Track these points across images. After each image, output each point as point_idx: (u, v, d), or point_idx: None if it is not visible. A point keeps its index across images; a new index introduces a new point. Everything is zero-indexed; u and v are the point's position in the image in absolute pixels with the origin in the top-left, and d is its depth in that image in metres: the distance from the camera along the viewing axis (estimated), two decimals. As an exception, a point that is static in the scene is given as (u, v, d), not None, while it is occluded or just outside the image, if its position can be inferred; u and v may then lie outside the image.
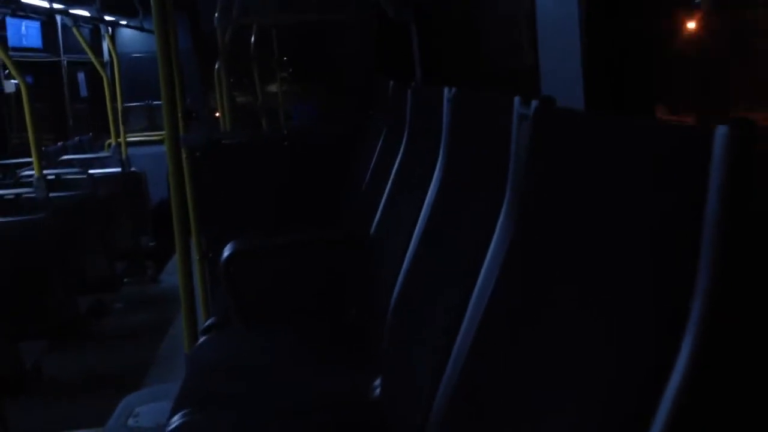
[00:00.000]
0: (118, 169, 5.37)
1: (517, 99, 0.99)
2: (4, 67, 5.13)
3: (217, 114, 4.67)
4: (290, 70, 5.10)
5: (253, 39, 4.84)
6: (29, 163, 4.17)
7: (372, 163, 2.35)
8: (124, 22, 7.44)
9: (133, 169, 5.52)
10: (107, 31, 6.61)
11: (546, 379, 0.81)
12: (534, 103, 0.94)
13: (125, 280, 4.90)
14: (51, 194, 3.96)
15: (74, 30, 5.72)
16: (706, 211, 0.55)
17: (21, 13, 5.84)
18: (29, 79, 4.70)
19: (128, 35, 7.88)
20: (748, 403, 0.59)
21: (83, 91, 7.48)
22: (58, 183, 4.48)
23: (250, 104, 5.13)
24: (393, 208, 1.90)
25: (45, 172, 3.98)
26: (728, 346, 0.56)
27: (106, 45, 6.93)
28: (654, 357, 0.59)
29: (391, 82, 2.35)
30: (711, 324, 0.55)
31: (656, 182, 0.67)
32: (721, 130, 0.54)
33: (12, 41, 5.90)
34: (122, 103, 5.88)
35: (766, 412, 0.59)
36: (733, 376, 0.58)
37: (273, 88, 5.37)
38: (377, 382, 1.54)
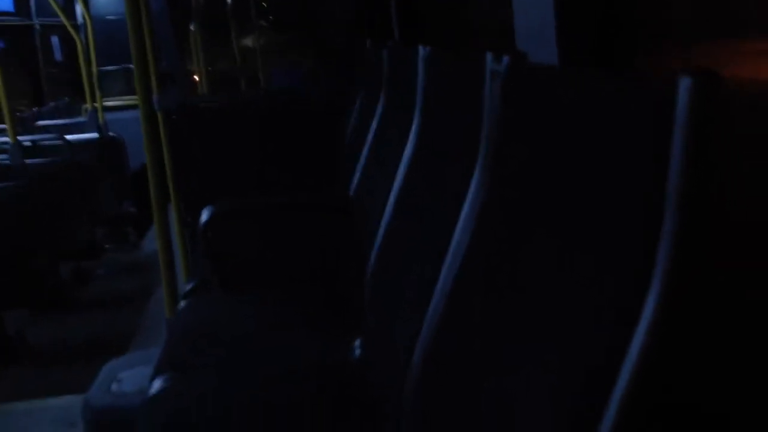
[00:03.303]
0: (96, 135, 5.29)
1: (489, 55, 0.97)
2: (-26, 32, 5.00)
3: (195, 78, 4.59)
4: (270, 30, 5.01)
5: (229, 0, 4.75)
6: (3, 130, 4.10)
7: (351, 125, 2.33)
8: (97, -16, 7.27)
9: (111, 134, 5.45)
10: (80, -8, 6.46)
11: (522, 335, 0.82)
12: (505, 59, 0.92)
13: (106, 246, 4.88)
14: (27, 161, 3.90)
15: (45, -8, 5.58)
16: (671, 162, 0.56)
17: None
18: (1, 44, 4.58)
19: (102, -3, 7.70)
20: (716, 348, 0.60)
21: (57, 56, 7.34)
22: (35, 149, 4.41)
23: (228, 67, 5.05)
24: (371, 171, 1.89)
25: (20, 138, 3.92)
26: (694, 292, 0.57)
27: (79, 8, 6.78)
28: (624, 303, 0.60)
29: (368, 41, 2.32)
30: (678, 269, 0.56)
31: (624, 134, 0.67)
32: (685, 82, 0.53)
33: (-18, 5, 5.75)
34: (97, 67, 5.77)
35: (733, 355, 0.60)
36: (700, 323, 0.59)
37: (252, 49, 5.29)
38: (357, 343, 1.55)
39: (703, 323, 0.61)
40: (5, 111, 3.78)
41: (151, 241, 4.83)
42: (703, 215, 0.56)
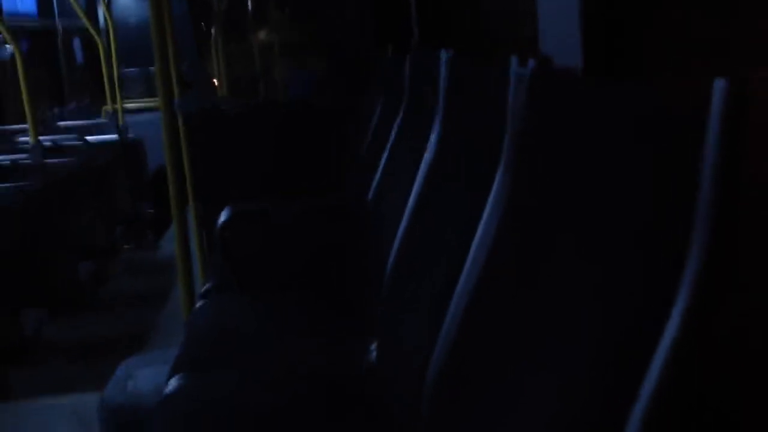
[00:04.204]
0: (115, 136, 5.34)
1: (514, 59, 0.97)
2: (-1, 33, 5.07)
3: (215, 81, 4.63)
4: (288, 35, 5.04)
5: (250, 5, 4.78)
6: (26, 130, 4.14)
7: (371, 129, 2.33)
8: (119, -13, 7.35)
9: (130, 135, 5.49)
10: (102, -5, 6.53)
11: (543, 345, 0.81)
12: (531, 63, 0.92)
13: (124, 246, 4.91)
14: (48, 161, 3.94)
15: (69, -5, 5.65)
16: (702, 173, 0.55)
17: (15, -22, 5.77)
18: (24, 46, 4.65)
19: (125, 1, 7.78)
20: (741, 360, 0.59)
21: (79, 58, 7.42)
22: (55, 149, 4.45)
23: (247, 71, 5.08)
24: (390, 174, 1.89)
25: (41, 138, 3.96)
26: (721, 303, 0.56)
27: (101, 11, 6.85)
28: (649, 312, 0.59)
29: (390, 46, 2.32)
30: (705, 280, 0.55)
31: (651, 144, 0.66)
32: (718, 89, 0.53)
33: (6, 7, 5.83)
34: (119, 69, 5.82)
35: (756, 367, 0.59)
36: (726, 333, 0.58)
37: (270, 54, 5.32)
38: (373, 347, 1.55)
39: (729, 337, 0.60)
40: (28, 111, 3.83)
41: (169, 242, 4.85)
42: (733, 227, 0.55)
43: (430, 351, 1.09)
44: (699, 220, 0.55)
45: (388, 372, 1.42)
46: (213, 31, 4.12)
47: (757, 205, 0.81)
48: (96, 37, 5.88)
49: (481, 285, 1.00)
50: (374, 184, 1.99)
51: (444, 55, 1.38)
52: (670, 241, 0.59)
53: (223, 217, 1.90)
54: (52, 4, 6.82)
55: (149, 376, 2.23)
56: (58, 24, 6.86)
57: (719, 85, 0.52)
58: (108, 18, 6.13)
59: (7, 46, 4.95)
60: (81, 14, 5.68)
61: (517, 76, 0.94)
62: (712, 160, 0.53)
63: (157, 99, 2.34)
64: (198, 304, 1.95)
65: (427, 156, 1.45)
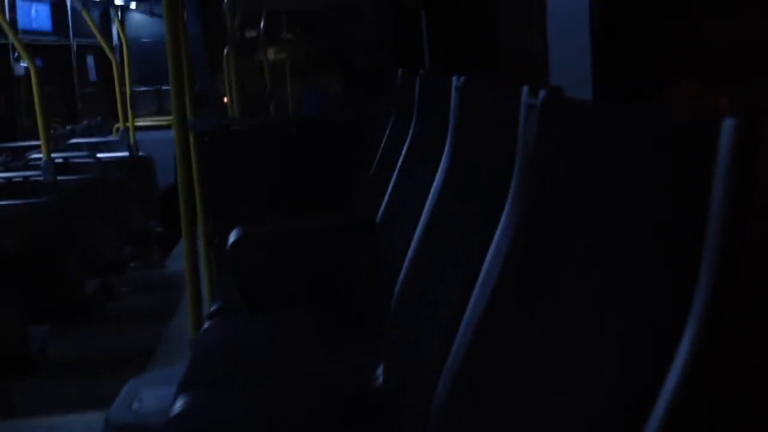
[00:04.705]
0: (126, 154, 5.38)
1: (525, 89, 0.98)
2: (14, 50, 5.13)
3: (225, 100, 4.66)
4: (300, 55, 5.09)
5: (262, 25, 4.83)
6: (38, 146, 4.18)
7: (380, 151, 2.35)
8: (133, 6, 7.44)
9: (141, 153, 5.53)
10: (117, 14, 6.62)
11: (552, 365, 0.82)
12: (542, 93, 0.93)
13: (132, 264, 4.92)
14: (59, 177, 3.97)
15: (84, 13, 5.72)
16: (712, 203, 0.55)
17: (31, -4, 5.86)
18: (39, 62, 4.71)
19: (138, 20, 7.88)
20: (748, 397, 0.59)
21: (92, 75, 7.50)
22: (66, 166, 4.49)
23: (259, 91, 5.13)
24: (400, 195, 1.90)
25: (53, 155, 3.99)
26: (730, 338, 0.56)
27: (115, 29, 6.93)
28: (657, 347, 0.60)
29: (400, 70, 2.34)
30: (713, 314, 0.56)
31: (661, 174, 0.66)
32: (728, 122, 0.53)
33: (22, 24, 5.91)
34: (131, 87, 5.88)
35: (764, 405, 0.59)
36: (734, 368, 0.58)
37: (282, 74, 5.37)
38: (380, 368, 1.55)
39: (737, 373, 0.60)
40: (41, 128, 3.86)
41: (175, 260, 4.87)
42: (741, 255, 0.56)
43: (439, 370, 1.09)
44: (709, 240, 0.56)
45: (397, 391, 1.42)
46: (226, 50, 4.16)
47: None
48: (110, 54, 5.95)
49: (490, 308, 1.00)
50: (384, 204, 2.00)
51: (455, 81, 1.40)
52: (681, 262, 0.59)
53: (233, 237, 1.90)
54: (67, 20, 6.91)
55: (155, 395, 2.23)
56: (73, 41, 6.94)
57: (727, 123, 0.53)
58: (122, 36, 6.20)
59: (22, 62, 5.01)
60: (96, 31, 5.76)
61: (527, 105, 0.95)
62: (721, 184, 0.54)
63: (167, 117, 2.37)
64: (206, 324, 1.96)
65: (438, 178, 1.46)
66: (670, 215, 0.64)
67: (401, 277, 1.53)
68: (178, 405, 1.43)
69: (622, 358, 0.67)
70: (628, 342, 0.67)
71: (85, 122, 6.39)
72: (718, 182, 0.55)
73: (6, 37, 4.43)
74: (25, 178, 4.06)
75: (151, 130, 6.35)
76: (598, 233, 0.78)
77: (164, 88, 7.12)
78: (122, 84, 5.84)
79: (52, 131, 4.84)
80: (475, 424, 0.98)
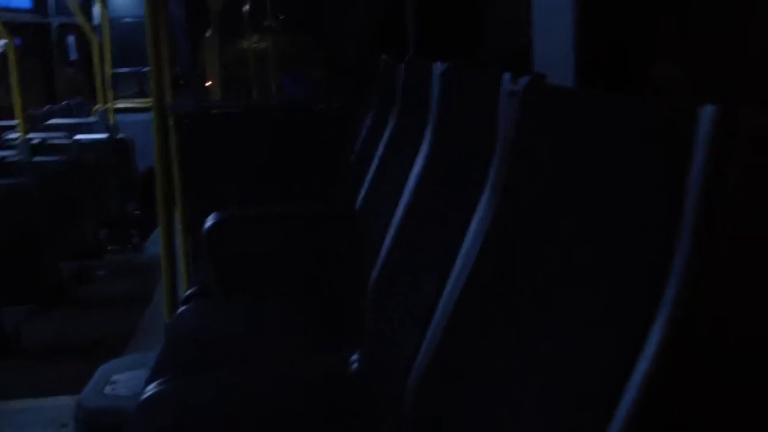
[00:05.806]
0: (105, 135, 5.30)
1: (506, 75, 0.97)
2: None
3: (208, 83, 4.61)
4: (283, 40, 5.04)
5: (246, 7, 4.77)
6: (14, 126, 4.11)
7: (362, 138, 2.33)
8: (115, -14, 7.33)
9: (120, 135, 5.46)
10: (98, -7, 6.51)
11: (526, 352, 0.82)
12: (523, 79, 0.92)
13: (109, 247, 4.87)
14: (35, 158, 3.91)
15: (64, -9, 5.62)
16: (688, 191, 0.55)
17: (10, -27, 5.74)
18: (17, 41, 4.62)
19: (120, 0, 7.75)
20: (724, 377, 0.59)
21: (73, 55, 7.38)
22: (44, 147, 4.42)
23: (242, 74, 5.07)
24: (380, 183, 1.89)
25: (30, 135, 3.93)
26: (704, 322, 0.56)
27: (97, 8, 6.82)
28: (630, 332, 0.60)
29: (384, 56, 2.32)
30: (687, 296, 0.56)
31: (640, 160, 0.66)
32: (706, 110, 0.53)
33: (1, 2, 5.79)
34: (111, 68, 5.79)
35: (740, 380, 0.59)
36: (707, 353, 0.58)
37: (265, 58, 5.32)
38: (356, 356, 1.54)
39: (709, 358, 0.60)
40: (17, 107, 3.80)
41: (154, 244, 4.82)
42: (716, 244, 0.56)
43: (413, 358, 1.09)
44: (685, 230, 0.55)
45: (372, 379, 1.41)
46: (208, 33, 4.11)
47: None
48: (89, 34, 5.85)
49: (466, 295, 1.00)
50: (363, 192, 1.99)
51: (438, 67, 1.38)
52: (656, 250, 0.59)
53: (209, 221, 1.88)
54: (47, -1, 6.80)
55: (127, 380, 2.21)
56: (53, 20, 6.83)
57: (706, 114, 0.53)
58: (103, 16, 6.10)
59: (0, 40, 4.91)
60: (77, 11, 5.65)
61: (508, 92, 0.94)
62: (699, 170, 0.54)
63: (148, 100, 2.33)
64: (180, 309, 1.93)
65: (417, 166, 1.45)
66: (647, 201, 0.64)
67: (379, 263, 1.52)
68: (149, 389, 1.41)
69: (599, 340, 0.68)
70: (603, 325, 0.67)
71: (65, 102, 6.30)
72: (696, 168, 0.54)
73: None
74: (1, 158, 3.99)
75: (132, 112, 6.26)
76: (576, 218, 0.78)
77: (145, 69, 7.02)
78: (102, 64, 5.75)
79: (30, 111, 4.76)
80: (450, 409, 0.97)
